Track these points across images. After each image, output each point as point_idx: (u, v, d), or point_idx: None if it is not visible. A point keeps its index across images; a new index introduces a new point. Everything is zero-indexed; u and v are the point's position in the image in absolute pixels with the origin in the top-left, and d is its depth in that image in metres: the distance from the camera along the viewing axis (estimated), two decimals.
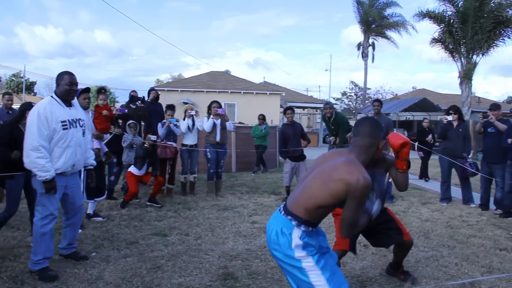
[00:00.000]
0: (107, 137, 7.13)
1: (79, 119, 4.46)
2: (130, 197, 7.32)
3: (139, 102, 8.84)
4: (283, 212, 2.75)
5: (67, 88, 4.30)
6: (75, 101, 4.63)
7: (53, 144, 4.17)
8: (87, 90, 5.91)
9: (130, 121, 8.09)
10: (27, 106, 5.03)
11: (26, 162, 4.07)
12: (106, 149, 6.71)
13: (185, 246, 5.27)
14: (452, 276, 4.42)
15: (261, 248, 5.22)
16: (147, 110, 8.99)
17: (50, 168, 4.06)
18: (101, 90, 7.27)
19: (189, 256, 4.87)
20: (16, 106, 7.41)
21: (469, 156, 8.04)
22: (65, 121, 4.23)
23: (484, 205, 7.71)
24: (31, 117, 4.10)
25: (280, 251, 2.69)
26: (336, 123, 8.79)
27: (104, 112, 6.98)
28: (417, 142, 10.87)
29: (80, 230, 5.51)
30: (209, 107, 8.56)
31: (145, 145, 7.42)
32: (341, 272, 2.82)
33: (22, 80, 59.56)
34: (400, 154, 3.32)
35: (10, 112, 6.97)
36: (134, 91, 9.19)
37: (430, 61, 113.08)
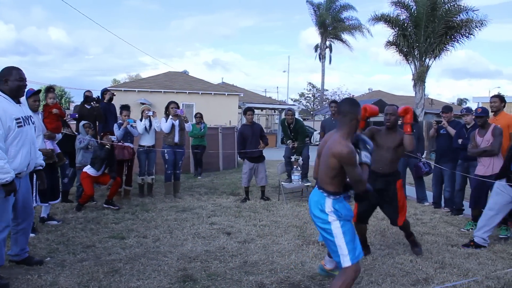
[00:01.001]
0: (59, 137, 6.92)
1: (30, 116, 4.29)
2: (86, 199, 7.16)
3: (94, 102, 8.65)
4: (318, 187, 3.58)
5: (19, 84, 4.11)
6: (22, 98, 4.39)
7: (8, 143, 3.93)
8: (38, 92, 5.77)
9: (84, 122, 7.91)
10: None
11: None
12: (59, 150, 6.54)
13: (143, 248, 5.20)
14: (407, 272, 4.55)
15: (220, 249, 5.21)
16: (104, 111, 8.81)
17: (9, 169, 3.82)
18: (50, 89, 7.08)
19: (147, 258, 4.81)
20: None
21: (423, 156, 8.28)
22: (19, 118, 4.02)
23: (436, 203, 7.96)
24: None
25: (318, 216, 3.55)
26: (295, 131, 8.85)
27: (54, 110, 6.79)
28: None
29: (33, 234, 5.40)
30: (167, 108, 8.47)
31: (107, 146, 7.27)
32: (358, 239, 3.61)
33: None
34: (405, 119, 4.87)
35: None
36: (88, 91, 8.97)
37: (386, 63, 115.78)
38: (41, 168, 4.63)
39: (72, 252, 4.97)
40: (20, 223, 4.40)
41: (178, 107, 8.53)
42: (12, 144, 3.97)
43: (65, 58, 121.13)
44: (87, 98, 8.55)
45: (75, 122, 8.54)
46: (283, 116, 10.15)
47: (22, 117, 4.08)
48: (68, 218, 6.53)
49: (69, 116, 7.54)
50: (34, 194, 5.20)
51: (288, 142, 9.02)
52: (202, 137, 12.05)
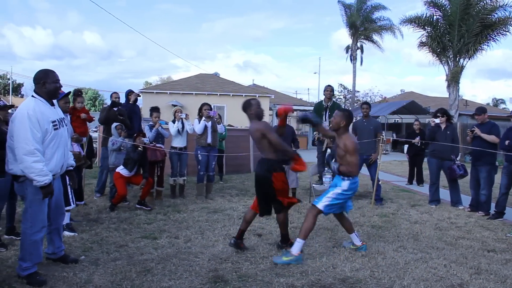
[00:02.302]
0: (84, 140, 7.05)
1: (63, 118, 4.37)
2: (119, 199, 7.28)
3: (120, 106, 8.74)
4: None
5: (56, 86, 4.19)
6: (55, 100, 4.46)
7: (45, 146, 4.01)
8: (68, 94, 5.89)
9: (116, 124, 8.04)
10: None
11: (21, 167, 3.88)
12: (84, 153, 6.64)
13: (175, 249, 5.25)
14: (441, 277, 4.45)
15: (251, 250, 5.21)
16: (128, 112, 8.90)
17: (47, 172, 3.92)
18: (78, 93, 7.21)
19: (179, 259, 4.85)
20: None
21: (457, 158, 8.11)
22: (55, 121, 4.10)
23: (473, 206, 7.78)
24: (21, 119, 3.88)
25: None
26: (333, 110, 8.71)
27: (83, 115, 6.94)
28: (406, 145, 10.89)
29: (73, 233, 5.66)
30: (200, 109, 8.54)
31: (139, 148, 7.36)
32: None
33: (9, 81, 59.01)
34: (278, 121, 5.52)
35: (7, 116, 6.93)
36: (115, 92, 9.08)
37: (419, 64, 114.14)
38: (71, 168, 4.69)
39: (105, 251, 5.06)
40: (52, 223, 4.47)
41: (210, 109, 8.59)
42: (48, 146, 4.05)
43: (99, 61, 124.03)
44: (114, 102, 8.62)
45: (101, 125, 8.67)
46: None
47: (57, 119, 4.17)
48: (102, 218, 6.65)
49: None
50: (70, 196, 5.30)
51: (314, 134, 8.88)
52: (221, 141, 11.02)
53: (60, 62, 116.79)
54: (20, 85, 65.02)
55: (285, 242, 5.27)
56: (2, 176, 4.73)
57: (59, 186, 4.47)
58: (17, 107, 4.47)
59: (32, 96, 4.15)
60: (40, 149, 3.91)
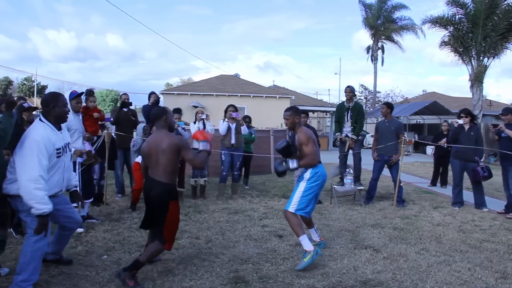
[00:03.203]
0: (95, 139, 7.15)
1: (68, 143, 4.27)
2: (136, 194, 7.30)
3: (130, 106, 8.82)
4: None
5: (65, 110, 4.13)
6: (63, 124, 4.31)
7: (47, 171, 3.86)
8: (80, 94, 6.13)
9: (144, 125, 8.13)
10: (22, 109, 5.31)
11: (21, 193, 3.69)
12: (94, 152, 6.71)
13: (196, 249, 5.27)
14: (465, 281, 4.38)
15: (272, 252, 5.21)
16: (149, 113, 8.97)
17: (48, 201, 3.74)
18: (90, 93, 7.31)
19: (199, 259, 4.88)
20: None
21: (481, 160, 7.97)
22: (59, 149, 4.01)
23: (509, 208, 7.62)
24: (30, 145, 3.77)
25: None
26: (354, 110, 8.71)
27: (95, 114, 7.06)
28: (433, 146, 10.73)
29: (81, 229, 5.79)
30: (226, 111, 8.65)
31: None
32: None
33: (34, 84, 60.10)
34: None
35: (31, 117, 7.09)
36: (125, 94, 9.15)
37: (441, 64, 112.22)
38: (76, 189, 4.62)
39: (127, 251, 5.11)
40: (67, 230, 4.47)
41: (236, 110, 8.64)
42: (49, 173, 3.91)
43: (121, 63, 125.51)
44: (124, 102, 8.69)
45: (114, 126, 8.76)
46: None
47: (62, 146, 4.07)
48: (124, 218, 6.71)
49: (105, 120, 7.77)
50: (79, 193, 5.28)
51: (337, 135, 8.83)
52: (250, 143, 10.53)
53: (83, 64, 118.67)
54: (44, 87, 66.02)
55: (132, 269, 4.09)
56: None
57: (64, 199, 4.39)
58: (41, 109, 4.54)
59: (40, 119, 4.03)
60: (45, 177, 3.77)
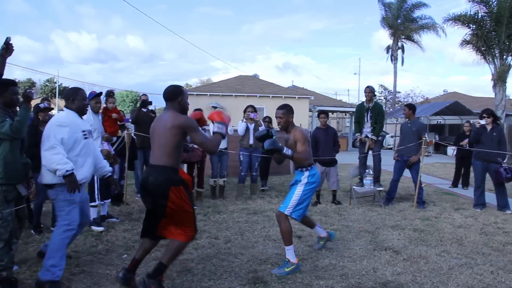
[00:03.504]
0: (114, 139, 7.24)
1: (91, 130, 4.61)
2: None
3: (150, 106, 8.87)
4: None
5: (84, 103, 4.41)
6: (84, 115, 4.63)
7: (77, 153, 4.15)
8: (99, 94, 6.26)
9: None
10: (38, 109, 5.72)
11: (44, 163, 4.00)
12: (113, 152, 6.78)
13: (215, 249, 5.29)
14: (488, 284, 4.31)
15: None
16: None
17: (67, 161, 3.94)
18: (110, 94, 7.42)
19: (218, 259, 4.89)
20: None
21: (504, 161, 7.84)
22: (85, 131, 4.30)
23: None
24: (49, 126, 4.08)
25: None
26: (375, 111, 8.66)
27: (114, 115, 7.14)
28: (455, 147, 10.58)
29: (101, 228, 5.98)
30: (245, 111, 8.68)
31: None
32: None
33: (56, 85, 61.05)
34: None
35: (47, 118, 7.25)
36: (144, 94, 9.21)
37: (463, 63, 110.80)
38: (111, 174, 4.79)
39: None
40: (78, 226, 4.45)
41: (254, 111, 8.66)
42: (80, 155, 4.18)
43: (141, 64, 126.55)
44: (144, 102, 8.73)
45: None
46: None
47: (87, 130, 4.37)
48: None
49: (124, 121, 7.86)
50: (96, 193, 5.91)
51: (357, 135, 8.77)
52: None
53: (103, 65, 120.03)
54: (66, 88, 67.05)
55: (157, 275, 3.77)
56: (38, 172, 4.89)
57: (86, 194, 4.57)
58: (60, 109, 4.70)
59: (64, 109, 4.37)
60: (60, 146, 3.97)
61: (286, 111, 4.96)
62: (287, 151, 4.72)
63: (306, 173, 4.83)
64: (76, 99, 4.31)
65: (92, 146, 4.44)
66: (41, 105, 5.94)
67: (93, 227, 5.96)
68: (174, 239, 3.82)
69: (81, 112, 4.38)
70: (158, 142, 3.76)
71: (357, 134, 8.75)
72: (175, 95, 3.90)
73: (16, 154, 4.12)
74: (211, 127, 8.55)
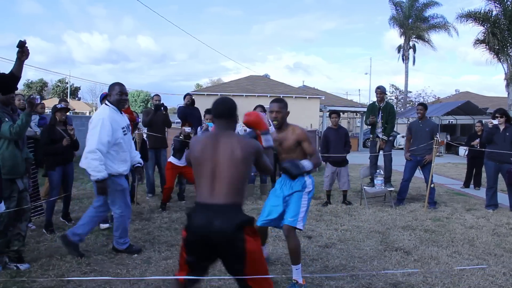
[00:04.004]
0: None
1: (129, 124, 5.00)
2: (167, 193, 7.37)
3: (162, 108, 8.89)
4: None
5: (118, 98, 4.77)
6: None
7: (119, 149, 4.69)
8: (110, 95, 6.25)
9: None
10: (55, 109, 5.99)
11: (83, 162, 4.53)
12: None
13: None
14: (500, 286, 4.27)
15: (301, 253, 5.18)
16: (184, 114, 9.05)
17: (102, 170, 4.45)
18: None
19: None
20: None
21: None
22: (124, 128, 4.75)
23: None
24: (95, 124, 4.52)
25: None
26: (386, 110, 8.62)
27: (126, 115, 7.17)
28: (467, 147, 10.48)
29: (107, 225, 6.09)
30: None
31: (180, 136, 7.47)
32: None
33: (67, 85, 61.54)
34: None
35: (64, 118, 7.36)
36: (157, 95, 9.21)
37: (475, 63, 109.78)
38: (140, 165, 5.27)
39: (157, 250, 5.17)
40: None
41: (263, 110, 8.64)
42: (122, 149, 4.73)
43: (152, 64, 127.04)
44: (157, 106, 8.71)
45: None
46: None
47: (125, 126, 4.81)
48: (154, 218, 6.80)
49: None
50: None
51: (370, 136, 8.72)
52: None
53: (115, 65, 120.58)
54: (77, 89, 67.59)
55: None
56: (53, 169, 5.59)
57: (125, 184, 5.03)
58: (73, 111, 4.87)
59: (106, 104, 4.79)
60: (103, 150, 4.48)
61: (284, 105, 4.31)
62: (308, 165, 4.06)
63: (309, 180, 4.31)
64: (112, 94, 4.77)
65: (129, 140, 4.94)
66: (58, 106, 6.15)
67: (100, 224, 6.01)
68: None
69: (117, 106, 4.78)
70: (223, 175, 2.78)
71: (371, 135, 8.74)
72: (233, 111, 3.10)
73: (15, 150, 4.34)
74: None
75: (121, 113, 4.88)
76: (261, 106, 8.71)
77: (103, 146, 4.47)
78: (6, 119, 4.25)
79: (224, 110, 3.04)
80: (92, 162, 4.43)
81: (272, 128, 4.08)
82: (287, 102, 4.42)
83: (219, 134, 2.96)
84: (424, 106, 8.54)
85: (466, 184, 11.15)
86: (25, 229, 4.62)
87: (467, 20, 22.22)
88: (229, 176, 2.78)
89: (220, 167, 2.79)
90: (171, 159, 7.52)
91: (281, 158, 4.34)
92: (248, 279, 2.75)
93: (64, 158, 5.99)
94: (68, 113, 6.38)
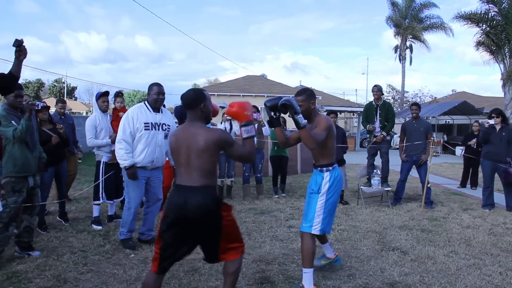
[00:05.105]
0: None
1: (164, 123, 5.25)
2: (164, 191, 7.33)
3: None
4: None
5: (155, 98, 5.15)
6: (165, 109, 5.45)
7: (137, 141, 5.07)
8: (105, 94, 6.44)
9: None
10: (36, 111, 5.80)
11: (116, 152, 5.12)
12: None
13: None
14: (497, 285, 4.28)
15: (298, 252, 5.18)
16: (181, 114, 9.03)
17: (127, 158, 4.99)
18: (119, 94, 7.47)
19: None
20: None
21: None
22: (148, 123, 5.08)
23: None
24: (122, 118, 5.11)
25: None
26: (384, 108, 8.62)
27: (121, 114, 7.17)
28: (463, 147, 10.48)
29: (100, 227, 6.11)
30: None
31: None
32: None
33: (64, 85, 61.38)
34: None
35: (62, 117, 7.33)
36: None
37: (472, 63, 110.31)
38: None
39: (154, 250, 5.15)
40: (149, 206, 5.47)
41: (257, 111, 8.63)
42: (140, 142, 5.08)
43: (149, 64, 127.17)
44: None
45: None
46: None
47: (151, 122, 5.12)
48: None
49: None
50: (100, 191, 6.16)
51: (369, 126, 8.68)
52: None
53: (112, 65, 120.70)
54: (74, 89, 67.45)
55: None
56: (45, 170, 5.60)
57: (158, 176, 5.48)
58: (70, 111, 4.88)
59: (144, 102, 5.25)
60: (128, 141, 5.02)
61: (307, 96, 4.13)
62: (301, 119, 3.76)
63: (327, 174, 4.14)
64: (149, 94, 5.20)
65: (155, 137, 5.16)
66: (36, 107, 5.93)
67: (93, 226, 6.13)
68: (232, 259, 3.28)
69: (153, 105, 5.17)
70: (192, 164, 3.09)
71: (368, 125, 8.67)
72: (196, 102, 3.22)
73: (24, 150, 4.64)
74: (219, 127, 8.57)
75: (156, 112, 5.20)
76: (255, 107, 8.69)
77: (127, 137, 5.00)
78: (13, 121, 4.59)
79: (188, 101, 3.26)
80: (119, 151, 5.00)
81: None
82: (311, 92, 4.24)
83: (188, 125, 3.25)
84: (418, 106, 8.56)
85: (463, 184, 11.18)
86: (34, 222, 5.07)
87: (463, 22, 22.26)
88: (198, 163, 3.09)
89: (191, 155, 3.11)
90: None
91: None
92: (220, 252, 3.22)
93: (56, 158, 5.96)
94: (66, 112, 6.35)
